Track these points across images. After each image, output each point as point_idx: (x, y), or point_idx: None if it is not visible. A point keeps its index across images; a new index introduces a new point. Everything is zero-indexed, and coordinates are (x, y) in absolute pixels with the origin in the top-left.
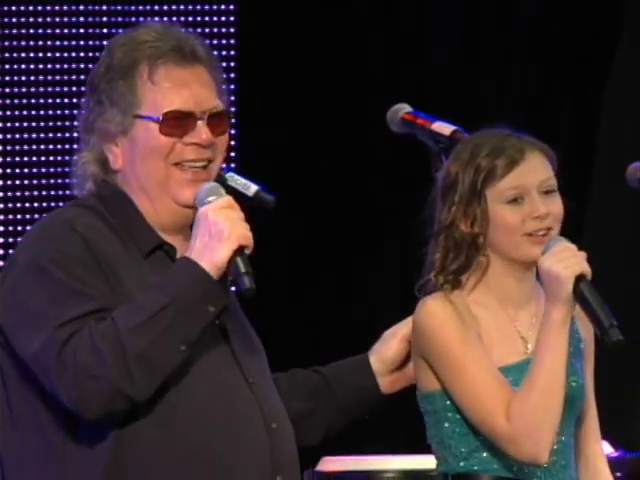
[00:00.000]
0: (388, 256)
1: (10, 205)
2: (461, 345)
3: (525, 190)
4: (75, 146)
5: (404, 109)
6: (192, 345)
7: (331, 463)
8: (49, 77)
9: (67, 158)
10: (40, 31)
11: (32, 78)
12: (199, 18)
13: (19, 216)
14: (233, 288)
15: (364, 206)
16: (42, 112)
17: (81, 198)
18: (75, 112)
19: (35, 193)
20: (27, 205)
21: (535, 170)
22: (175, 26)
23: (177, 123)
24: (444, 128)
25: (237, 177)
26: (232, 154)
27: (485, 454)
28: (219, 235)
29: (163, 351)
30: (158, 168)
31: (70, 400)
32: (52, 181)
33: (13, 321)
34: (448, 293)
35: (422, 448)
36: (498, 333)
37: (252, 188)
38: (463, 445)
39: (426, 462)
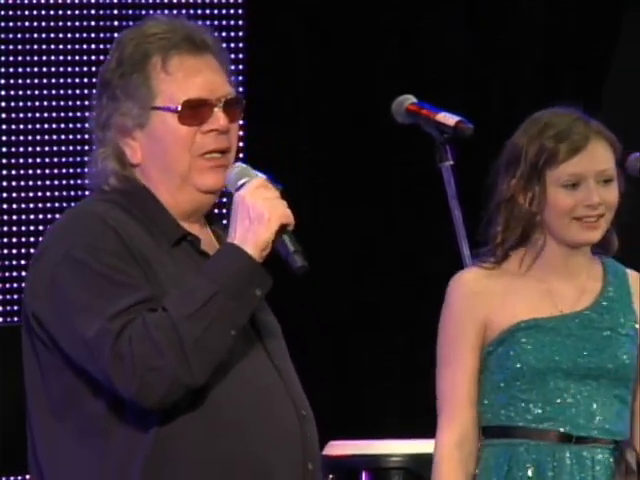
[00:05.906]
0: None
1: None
2: (452, 342)
3: (582, 178)
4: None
5: (409, 100)
6: (241, 329)
7: (337, 447)
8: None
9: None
10: (52, 24)
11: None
12: (208, 11)
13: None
14: None
15: (374, 200)
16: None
17: (102, 192)
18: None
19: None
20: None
21: (596, 159)
22: (182, 18)
23: (195, 112)
24: (448, 119)
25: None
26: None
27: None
28: (259, 218)
29: (217, 337)
30: (182, 160)
31: (128, 392)
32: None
33: (56, 314)
34: (488, 267)
35: (428, 432)
36: (527, 292)
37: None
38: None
39: (432, 446)
